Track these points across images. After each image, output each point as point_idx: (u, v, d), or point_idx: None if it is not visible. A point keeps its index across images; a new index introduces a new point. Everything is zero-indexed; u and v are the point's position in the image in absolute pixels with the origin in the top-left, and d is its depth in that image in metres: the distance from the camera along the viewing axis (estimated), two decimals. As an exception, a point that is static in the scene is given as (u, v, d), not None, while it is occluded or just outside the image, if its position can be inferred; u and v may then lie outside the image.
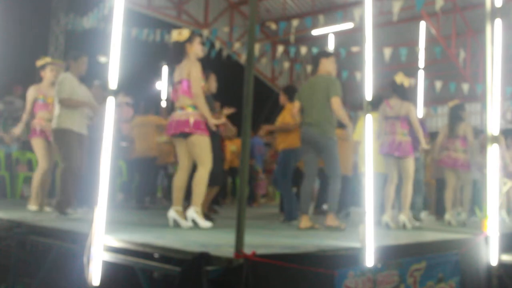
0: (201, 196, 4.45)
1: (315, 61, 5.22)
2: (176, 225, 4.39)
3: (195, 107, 4.49)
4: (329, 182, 5.00)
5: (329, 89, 4.93)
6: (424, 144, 5.68)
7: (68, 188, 5.07)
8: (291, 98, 6.15)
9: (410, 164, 5.54)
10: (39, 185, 5.71)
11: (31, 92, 5.89)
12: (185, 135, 4.49)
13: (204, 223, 4.34)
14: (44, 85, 5.94)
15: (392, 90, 5.72)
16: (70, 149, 5.15)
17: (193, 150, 4.51)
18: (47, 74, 5.95)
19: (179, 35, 4.59)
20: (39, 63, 6.02)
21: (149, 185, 7.53)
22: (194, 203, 4.42)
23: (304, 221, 4.87)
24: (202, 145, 4.48)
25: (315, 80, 5.12)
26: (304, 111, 5.12)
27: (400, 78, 5.72)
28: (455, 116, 6.75)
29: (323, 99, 4.95)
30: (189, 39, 4.58)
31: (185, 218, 4.42)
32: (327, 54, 5.22)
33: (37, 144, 5.81)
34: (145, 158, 7.40)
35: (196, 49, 4.60)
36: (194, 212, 4.39)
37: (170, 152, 7.41)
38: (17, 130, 6.13)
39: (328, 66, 5.14)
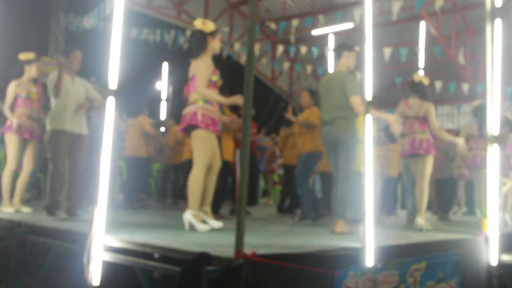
0: (195, 198, 4.20)
1: (337, 53, 4.90)
2: (192, 228, 4.15)
3: (206, 101, 4.33)
4: (337, 185, 4.63)
5: (346, 87, 4.67)
6: (461, 143, 5.75)
7: (55, 190, 4.91)
8: (316, 101, 6.07)
9: (429, 163, 5.44)
10: (8, 185, 5.54)
11: (13, 87, 5.61)
12: (192, 129, 4.32)
13: (201, 227, 4.10)
14: (25, 81, 5.69)
15: (410, 89, 5.67)
16: (57, 150, 4.93)
17: (193, 145, 4.34)
18: (32, 71, 5.71)
19: (204, 25, 4.42)
20: (25, 57, 5.71)
21: (137, 183, 7.63)
22: (190, 205, 4.20)
23: (340, 226, 4.52)
24: (201, 141, 4.28)
25: (331, 77, 4.89)
26: (322, 109, 4.93)
27: (418, 77, 5.68)
28: (482, 116, 6.70)
29: (339, 97, 4.70)
30: (213, 33, 4.43)
31: (202, 221, 4.22)
32: (350, 48, 4.92)
33: (11, 140, 5.55)
34: (134, 157, 7.56)
35: (215, 45, 4.45)
36: (190, 215, 4.16)
37: (180, 153, 7.45)
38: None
39: (349, 61, 4.89)
